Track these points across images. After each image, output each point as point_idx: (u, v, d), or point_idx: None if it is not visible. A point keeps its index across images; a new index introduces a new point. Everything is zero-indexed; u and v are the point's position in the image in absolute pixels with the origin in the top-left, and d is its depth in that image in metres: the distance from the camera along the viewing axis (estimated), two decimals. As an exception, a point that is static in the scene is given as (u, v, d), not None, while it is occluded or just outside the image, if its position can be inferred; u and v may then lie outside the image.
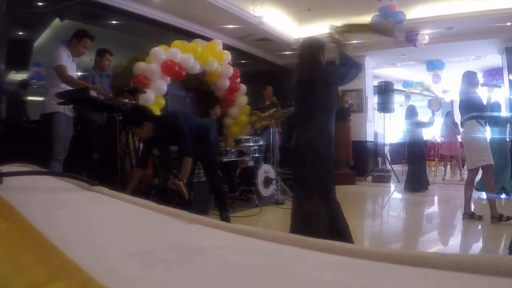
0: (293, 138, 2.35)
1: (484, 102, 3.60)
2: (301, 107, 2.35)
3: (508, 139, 5.20)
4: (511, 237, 2.32)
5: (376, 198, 5.79)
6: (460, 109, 3.74)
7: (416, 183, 5.59)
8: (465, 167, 7.74)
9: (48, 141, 3.06)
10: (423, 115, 6.56)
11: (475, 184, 3.98)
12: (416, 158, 5.70)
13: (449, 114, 8.04)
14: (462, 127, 3.86)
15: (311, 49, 2.33)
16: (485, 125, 3.62)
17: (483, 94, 3.69)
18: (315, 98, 2.22)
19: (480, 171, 3.71)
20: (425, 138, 6.25)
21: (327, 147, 2.18)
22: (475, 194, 3.91)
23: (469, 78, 3.66)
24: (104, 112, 3.38)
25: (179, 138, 2.86)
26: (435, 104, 6.76)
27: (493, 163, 3.46)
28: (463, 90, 3.67)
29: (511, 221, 3.29)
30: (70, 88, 3.05)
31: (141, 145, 3.84)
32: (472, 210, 3.57)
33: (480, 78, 4.78)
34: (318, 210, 2.10)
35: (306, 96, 2.26)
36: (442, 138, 8.77)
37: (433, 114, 6.20)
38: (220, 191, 3.47)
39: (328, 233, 2.03)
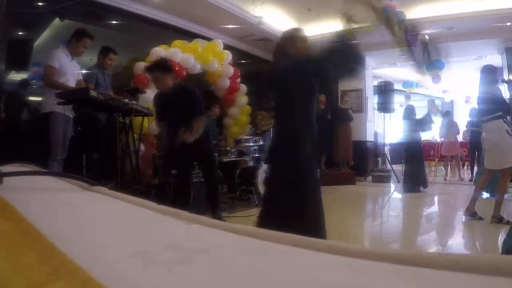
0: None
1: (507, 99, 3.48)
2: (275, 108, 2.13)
3: None
4: (506, 235, 2.30)
5: (376, 198, 5.79)
6: (480, 107, 3.56)
7: (413, 182, 5.56)
8: (464, 167, 7.81)
9: (46, 141, 3.06)
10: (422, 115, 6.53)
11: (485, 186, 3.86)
12: (413, 157, 5.68)
13: (447, 114, 7.99)
14: (475, 126, 3.69)
15: (280, 42, 2.07)
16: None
17: (504, 91, 3.55)
18: (278, 97, 2.01)
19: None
20: (423, 138, 6.23)
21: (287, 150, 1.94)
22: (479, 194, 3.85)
23: (490, 73, 3.49)
24: (104, 112, 3.39)
25: (194, 99, 3.03)
26: (433, 107, 6.67)
27: None
28: (484, 86, 3.49)
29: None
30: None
31: (141, 145, 3.85)
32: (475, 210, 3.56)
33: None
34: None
35: (272, 95, 2.08)
36: (442, 138, 8.75)
37: (431, 117, 6.15)
38: (217, 191, 3.51)
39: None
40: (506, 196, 3.58)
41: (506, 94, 3.53)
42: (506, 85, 3.65)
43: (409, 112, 5.90)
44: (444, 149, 7.53)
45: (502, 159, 3.33)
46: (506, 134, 3.29)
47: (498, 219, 3.33)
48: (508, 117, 3.38)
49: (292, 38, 2.05)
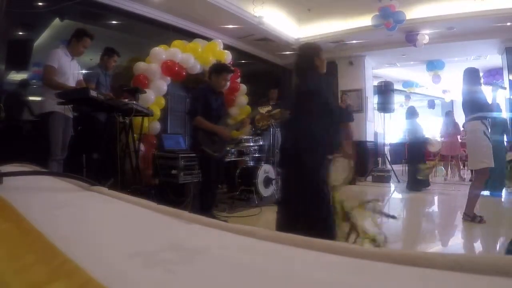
0: (289, 142, 2.35)
1: (489, 101, 3.51)
2: (297, 114, 2.31)
3: (506, 141, 5.22)
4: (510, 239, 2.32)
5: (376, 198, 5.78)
6: (463, 108, 3.62)
7: (415, 182, 5.60)
8: (466, 167, 7.80)
9: (46, 141, 3.06)
10: (423, 115, 6.55)
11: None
12: (415, 158, 5.72)
13: (449, 114, 8.01)
14: (464, 126, 3.81)
15: (306, 57, 2.34)
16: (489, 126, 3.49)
17: (487, 93, 3.62)
18: (312, 105, 2.21)
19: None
20: (425, 137, 6.25)
21: (321, 156, 2.18)
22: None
23: (471, 75, 3.56)
24: (104, 112, 3.39)
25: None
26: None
27: (493, 166, 3.41)
28: (466, 88, 3.55)
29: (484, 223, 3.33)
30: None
31: (141, 145, 3.85)
32: (475, 212, 3.55)
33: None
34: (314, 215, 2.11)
35: (302, 104, 2.25)
36: (442, 138, 8.75)
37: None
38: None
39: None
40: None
41: (489, 96, 3.59)
42: (490, 87, 3.71)
43: (411, 112, 5.92)
44: (445, 149, 7.52)
45: (477, 159, 3.40)
46: (483, 135, 3.35)
47: (471, 218, 3.39)
48: (486, 119, 3.42)
49: (318, 53, 2.32)
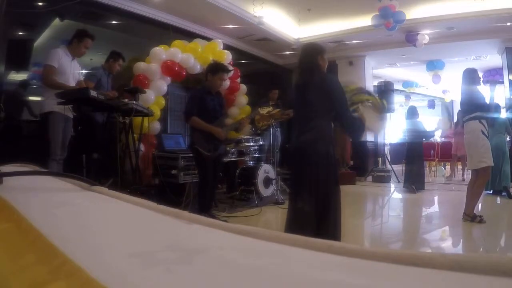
0: (292, 139, 2.39)
1: (487, 100, 3.53)
2: (300, 109, 2.38)
3: (508, 139, 5.22)
4: None
5: (376, 198, 5.79)
6: (461, 108, 3.66)
7: (412, 183, 5.56)
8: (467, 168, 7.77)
9: (46, 141, 3.06)
10: (423, 115, 6.53)
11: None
12: (414, 158, 5.68)
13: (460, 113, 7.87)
14: (463, 126, 3.82)
15: (311, 54, 2.39)
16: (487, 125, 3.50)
17: (485, 92, 3.63)
18: (312, 101, 2.26)
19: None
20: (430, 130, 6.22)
21: (326, 148, 2.20)
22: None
23: (470, 75, 3.58)
24: (103, 112, 3.39)
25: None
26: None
27: (492, 165, 3.44)
28: (465, 88, 3.58)
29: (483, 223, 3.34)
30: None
31: (141, 145, 3.85)
32: (475, 212, 3.55)
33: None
34: (315, 209, 2.14)
35: (305, 99, 2.29)
36: (442, 139, 8.73)
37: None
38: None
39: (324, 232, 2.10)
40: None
41: (488, 96, 3.61)
42: (489, 86, 3.72)
43: (411, 112, 5.90)
44: (454, 148, 7.43)
45: (477, 159, 3.40)
46: (481, 134, 3.36)
47: (470, 218, 3.40)
48: (484, 119, 3.42)
49: (321, 52, 2.38)
